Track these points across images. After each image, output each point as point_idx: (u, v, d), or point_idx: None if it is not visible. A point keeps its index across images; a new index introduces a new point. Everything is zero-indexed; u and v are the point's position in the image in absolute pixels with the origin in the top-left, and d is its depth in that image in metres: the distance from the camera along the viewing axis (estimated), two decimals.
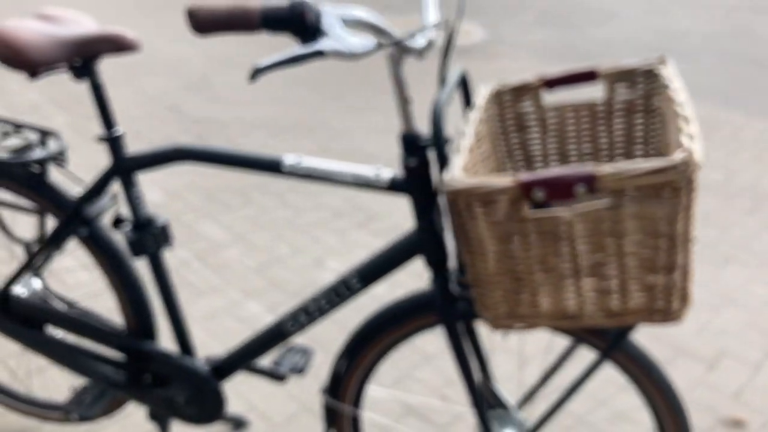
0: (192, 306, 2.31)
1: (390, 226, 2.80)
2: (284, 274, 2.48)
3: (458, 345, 1.27)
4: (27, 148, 1.42)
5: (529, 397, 1.41)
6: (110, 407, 1.54)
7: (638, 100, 1.26)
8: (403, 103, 1.13)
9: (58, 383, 1.96)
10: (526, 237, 0.95)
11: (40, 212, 1.51)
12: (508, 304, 1.02)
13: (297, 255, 2.60)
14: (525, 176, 0.90)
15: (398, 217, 2.87)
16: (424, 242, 1.23)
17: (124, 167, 1.35)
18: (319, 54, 0.89)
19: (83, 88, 3.95)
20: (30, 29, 1.25)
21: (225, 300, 2.34)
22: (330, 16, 0.92)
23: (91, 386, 1.55)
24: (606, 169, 0.88)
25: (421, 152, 1.16)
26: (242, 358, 1.46)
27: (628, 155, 1.31)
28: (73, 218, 1.41)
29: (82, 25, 1.32)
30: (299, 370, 1.52)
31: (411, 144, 1.16)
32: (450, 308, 1.24)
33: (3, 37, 1.24)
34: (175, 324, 1.49)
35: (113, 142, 1.34)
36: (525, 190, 0.90)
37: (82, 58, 1.27)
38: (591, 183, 0.88)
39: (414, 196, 1.20)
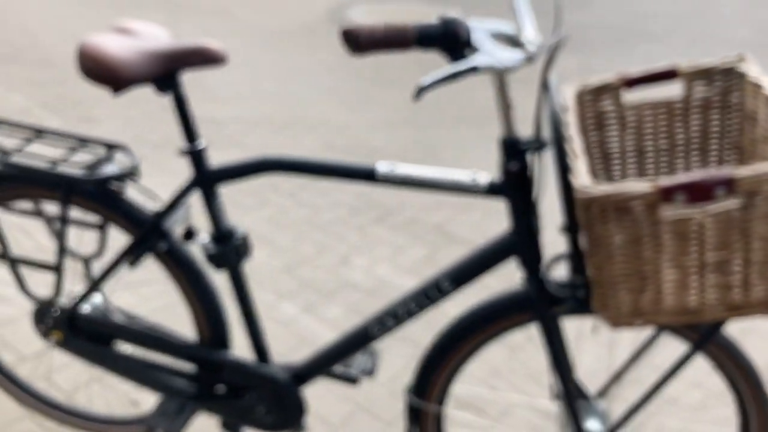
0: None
1: (407, 221, 2.82)
2: (313, 274, 2.48)
3: (553, 340, 1.30)
4: (99, 163, 1.39)
5: (608, 388, 1.45)
6: (191, 417, 1.54)
7: (715, 97, 1.31)
8: (506, 108, 1.15)
9: (102, 396, 1.93)
10: (656, 238, 0.99)
11: (102, 227, 1.49)
12: (631, 302, 1.05)
13: (322, 254, 2.60)
14: (666, 181, 0.94)
15: (413, 210, 2.89)
16: (520, 244, 1.25)
17: (207, 180, 1.34)
18: (474, 70, 0.91)
19: (73, 90, 3.85)
20: (118, 44, 1.23)
21: (259, 303, 2.33)
22: (479, 31, 0.94)
23: (169, 399, 1.53)
24: (744, 171, 0.92)
25: (522, 156, 1.18)
26: (324, 363, 1.47)
27: (704, 150, 1.35)
28: (151, 233, 1.39)
29: (161, 37, 1.30)
30: (369, 372, 1.54)
31: (512, 148, 1.18)
32: (547, 306, 1.27)
33: (92, 53, 1.21)
34: (253, 333, 1.49)
35: (196, 155, 1.33)
36: (665, 194, 0.93)
37: (169, 71, 1.25)
38: (730, 185, 0.92)
39: (512, 199, 1.22)
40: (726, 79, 1.29)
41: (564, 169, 1.05)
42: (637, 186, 0.95)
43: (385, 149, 3.42)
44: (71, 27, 4.76)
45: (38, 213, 1.49)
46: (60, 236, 1.42)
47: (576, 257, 1.12)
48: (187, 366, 1.54)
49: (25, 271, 1.54)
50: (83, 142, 1.44)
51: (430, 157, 3.35)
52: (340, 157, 3.32)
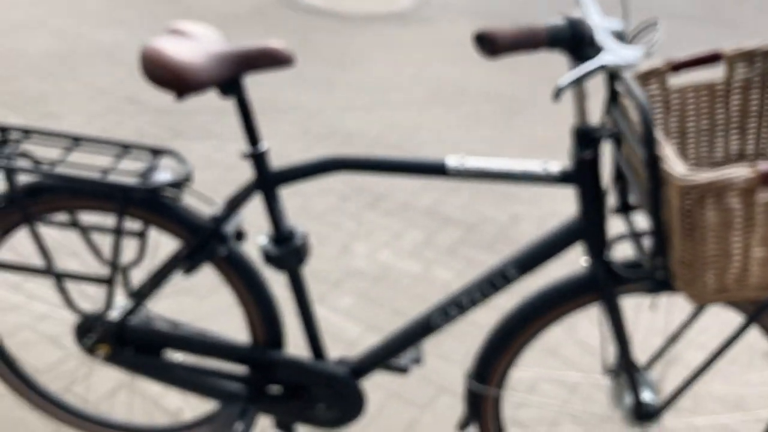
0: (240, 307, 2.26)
1: (399, 205, 2.84)
2: (318, 264, 2.47)
3: (614, 318, 1.36)
4: (151, 170, 1.34)
5: (656, 359, 1.52)
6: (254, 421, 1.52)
7: (756, 78, 1.37)
8: (581, 99, 1.18)
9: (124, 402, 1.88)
10: (749, 219, 1.04)
11: (142, 234, 1.45)
12: (718, 280, 1.11)
13: (322, 244, 2.59)
14: (766, 166, 0.99)
15: (403, 195, 2.91)
16: (588, 229, 1.29)
17: (269, 182, 1.32)
18: (602, 68, 0.93)
19: (26, 85, 3.65)
20: (183, 48, 1.18)
21: None
22: (601, 30, 0.95)
23: (229, 404, 1.51)
24: None
25: (595, 145, 1.22)
26: (384, 356, 1.48)
27: (742, 129, 1.42)
28: (211, 239, 1.36)
29: (219, 40, 1.27)
30: (417, 361, 1.56)
31: (586, 137, 1.21)
32: (612, 286, 1.32)
33: (158, 58, 1.17)
34: (310, 332, 1.48)
35: (258, 158, 1.31)
36: (766, 179, 0.98)
37: (234, 75, 1.22)
38: None
39: (583, 186, 1.25)
40: (766, 61, 1.35)
41: (652, 157, 1.08)
42: (738, 172, 0.99)
43: (362, 133, 3.41)
44: (10, 18, 4.50)
45: (74, 224, 1.43)
46: (115, 248, 1.37)
47: (657, 240, 1.16)
48: (240, 369, 1.52)
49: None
50: (126, 148, 1.39)
51: (407, 140, 3.36)
52: (319, 141, 3.30)
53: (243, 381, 1.51)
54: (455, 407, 1.93)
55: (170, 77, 1.17)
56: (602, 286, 1.32)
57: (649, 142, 1.08)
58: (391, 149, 3.26)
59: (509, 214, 2.82)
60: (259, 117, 3.51)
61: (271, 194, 1.34)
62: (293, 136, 3.34)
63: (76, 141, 1.39)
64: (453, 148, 3.29)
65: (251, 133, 1.29)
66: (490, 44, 0.95)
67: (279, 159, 3.13)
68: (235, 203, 1.34)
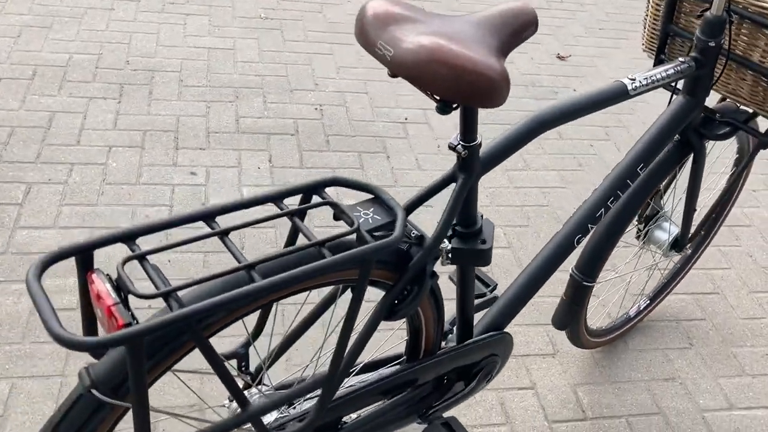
0: None
1: (204, 138, 2.43)
2: None
3: (702, 166, 1.54)
4: (349, 213, 0.95)
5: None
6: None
7: None
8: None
9: None
10: None
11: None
12: None
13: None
14: None
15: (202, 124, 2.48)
16: (695, 106, 1.40)
17: (478, 175, 1.09)
18: None
19: None
20: (471, 44, 0.84)
21: None
22: None
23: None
24: None
25: (722, 32, 1.30)
26: (525, 298, 1.41)
27: None
28: (430, 265, 1.07)
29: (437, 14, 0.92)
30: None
31: (717, 25, 1.29)
32: (703, 145, 1.49)
33: (466, 66, 0.83)
34: (468, 318, 1.32)
35: (473, 151, 1.05)
36: None
37: None
38: None
39: (705, 70, 1.35)
40: None
41: None
42: None
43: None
44: None
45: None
46: (345, 334, 0.97)
47: None
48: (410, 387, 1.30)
49: None
50: (280, 197, 0.94)
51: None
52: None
53: (425, 395, 1.31)
54: None
55: (488, 89, 0.85)
56: (697, 148, 1.48)
57: None
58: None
59: None
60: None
61: (475, 186, 1.11)
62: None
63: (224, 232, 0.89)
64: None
65: (470, 129, 1.03)
66: None
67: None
68: (450, 214, 1.06)
